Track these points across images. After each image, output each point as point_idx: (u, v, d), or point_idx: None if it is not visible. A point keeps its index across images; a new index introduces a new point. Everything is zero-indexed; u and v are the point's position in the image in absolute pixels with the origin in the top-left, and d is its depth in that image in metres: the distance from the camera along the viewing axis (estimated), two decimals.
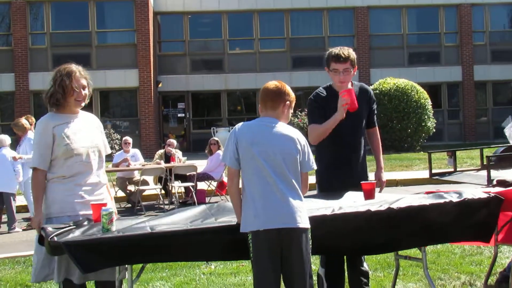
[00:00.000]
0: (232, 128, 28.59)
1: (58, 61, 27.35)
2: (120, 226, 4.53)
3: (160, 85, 29.76)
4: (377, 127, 6.10)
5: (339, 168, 5.66)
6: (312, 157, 4.55)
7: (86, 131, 4.98)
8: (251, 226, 4.32)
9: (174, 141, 16.02)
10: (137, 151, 15.56)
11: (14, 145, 13.22)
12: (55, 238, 4.29)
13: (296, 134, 4.51)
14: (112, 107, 29.07)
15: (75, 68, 4.99)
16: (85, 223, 4.63)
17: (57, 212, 4.80)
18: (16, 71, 27.66)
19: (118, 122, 28.48)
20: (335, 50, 5.64)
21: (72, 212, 4.80)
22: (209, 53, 31.22)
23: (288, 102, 4.56)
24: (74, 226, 4.53)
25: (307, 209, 4.48)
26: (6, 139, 12.59)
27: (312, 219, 4.48)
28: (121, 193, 14.76)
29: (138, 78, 27.79)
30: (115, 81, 27.96)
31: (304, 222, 4.34)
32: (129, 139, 15.38)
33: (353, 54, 5.67)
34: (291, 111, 4.64)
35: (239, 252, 4.52)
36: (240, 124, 4.54)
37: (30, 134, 12.46)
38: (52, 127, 4.87)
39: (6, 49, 28.21)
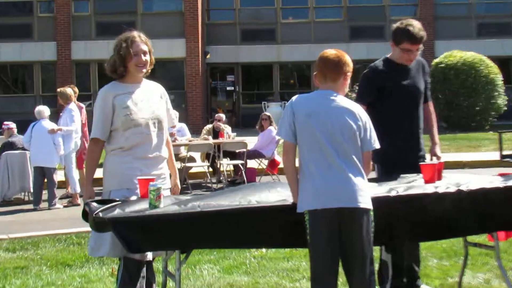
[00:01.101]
0: (284, 104, 28.27)
1: (102, 29, 27.66)
2: (166, 203, 4.52)
3: (208, 56, 29.80)
4: (431, 102, 6.15)
5: (398, 149, 5.61)
6: (374, 135, 4.46)
7: (147, 101, 5.05)
8: (308, 205, 4.27)
9: (223, 116, 16.01)
10: (183, 126, 15.61)
11: (54, 117, 13.34)
12: (100, 214, 4.30)
13: (357, 108, 4.43)
14: (157, 78, 28.99)
15: (135, 33, 5.06)
16: (133, 198, 4.64)
17: (116, 185, 4.90)
18: (58, 39, 28.00)
19: None
20: (409, 27, 5.65)
21: (131, 185, 4.87)
22: (260, 22, 31.10)
23: (348, 74, 4.48)
24: (120, 202, 4.54)
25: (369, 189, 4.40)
26: (45, 110, 12.73)
27: (375, 200, 4.41)
28: None
29: (185, 48, 27.86)
30: (160, 51, 27.92)
31: (366, 202, 4.28)
32: (175, 112, 15.40)
33: (424, 33, 5.74)
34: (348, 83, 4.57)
35: (295, 237, 4.47)
36: (297, 95, 4.48)
37: (72, 105, 12.62)
38: (112, 97, 4.95)
39: (48, 16, 28.56)
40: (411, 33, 5.63)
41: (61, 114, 12.82)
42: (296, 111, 4.36)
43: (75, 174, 12.57)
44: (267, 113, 15.56)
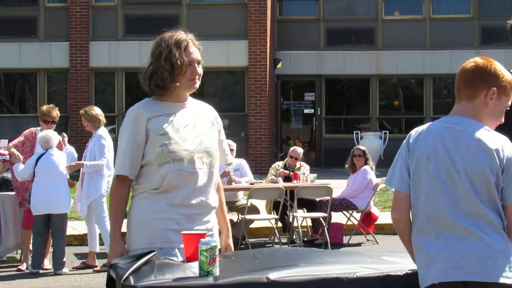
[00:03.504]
0: (385, 134, 27.87)
1: (132, 26, 28.04)
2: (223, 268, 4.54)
3: (279, 65, 29.89)
4: None
5: None
6: None
7: (194, 128, 5.13)
8: (423, 278, 4.31)
9: (299, 150, 15.99)
10: (243, 163, 15.64)
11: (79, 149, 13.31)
12: (132, 280, 4.24)
13: (497, 143, 4.36)
14: (207, 96, 29.46)
15: (186, 36, 5.16)
16: (177, 258, 4.66)
17: (143, 242, 4.96)
18: (71, 39, 28.38)
19: None
20: None
21: (164, 243, 4.92)
22: (353, 19, 31.18)
23: (493, 89, 4.42)
24: (155, 252, 4.56)
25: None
26: (54, 137, 12.50)
27: None
28: None
29: (247, 54, 27.97)
30: (213, 57, 28.14)
31: (505, 276, 4.24)
32: (231, 144, 15.44)
33: None
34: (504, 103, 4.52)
35: None
36: (420, 128, 4.50)
37: (102, 130, 12.51)
38: (146, 120, 5.04)
39: (58, 6, 29.01)
40: None
41: (88, 143, 12.66)
42: (413, 149, 4.42)
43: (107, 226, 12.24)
44: (361, 147, 15.56)
